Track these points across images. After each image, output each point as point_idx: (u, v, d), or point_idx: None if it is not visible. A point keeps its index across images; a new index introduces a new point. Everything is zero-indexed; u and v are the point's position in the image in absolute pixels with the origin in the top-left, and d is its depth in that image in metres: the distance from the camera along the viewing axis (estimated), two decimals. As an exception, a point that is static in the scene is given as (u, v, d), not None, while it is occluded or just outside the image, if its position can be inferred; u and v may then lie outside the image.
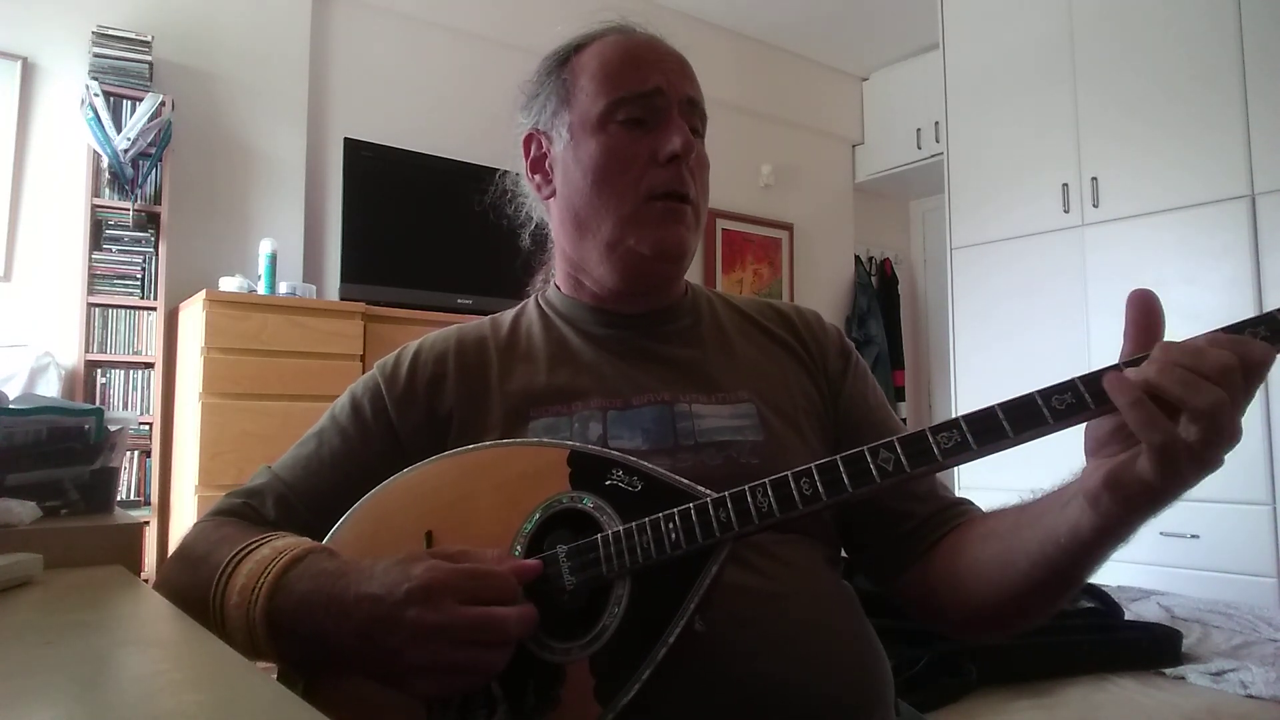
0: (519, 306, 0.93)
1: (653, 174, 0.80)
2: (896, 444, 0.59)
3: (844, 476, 0.59)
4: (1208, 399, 0.51)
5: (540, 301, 0.91)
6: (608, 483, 0.65)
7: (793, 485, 0.60)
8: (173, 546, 0.73)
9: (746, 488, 0.61)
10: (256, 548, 0.66)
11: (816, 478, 0.60)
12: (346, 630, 0.58)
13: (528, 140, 0.89)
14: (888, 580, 0.82)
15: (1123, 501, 0.56)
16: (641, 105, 0.81)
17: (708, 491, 0.63)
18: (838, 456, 0.60)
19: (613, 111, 0.81)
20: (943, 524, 0.79)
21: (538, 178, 0.89)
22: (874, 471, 0.59)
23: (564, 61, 0.86)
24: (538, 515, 0.65)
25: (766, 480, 0.61)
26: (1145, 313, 0.57)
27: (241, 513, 0.78)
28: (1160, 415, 0.52)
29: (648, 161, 0.80)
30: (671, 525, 0.61)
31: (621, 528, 0.63)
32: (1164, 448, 0.52)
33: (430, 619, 0.55)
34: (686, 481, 0.64)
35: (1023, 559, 0.67)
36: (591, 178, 0.81)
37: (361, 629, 0.57)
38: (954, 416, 0.58)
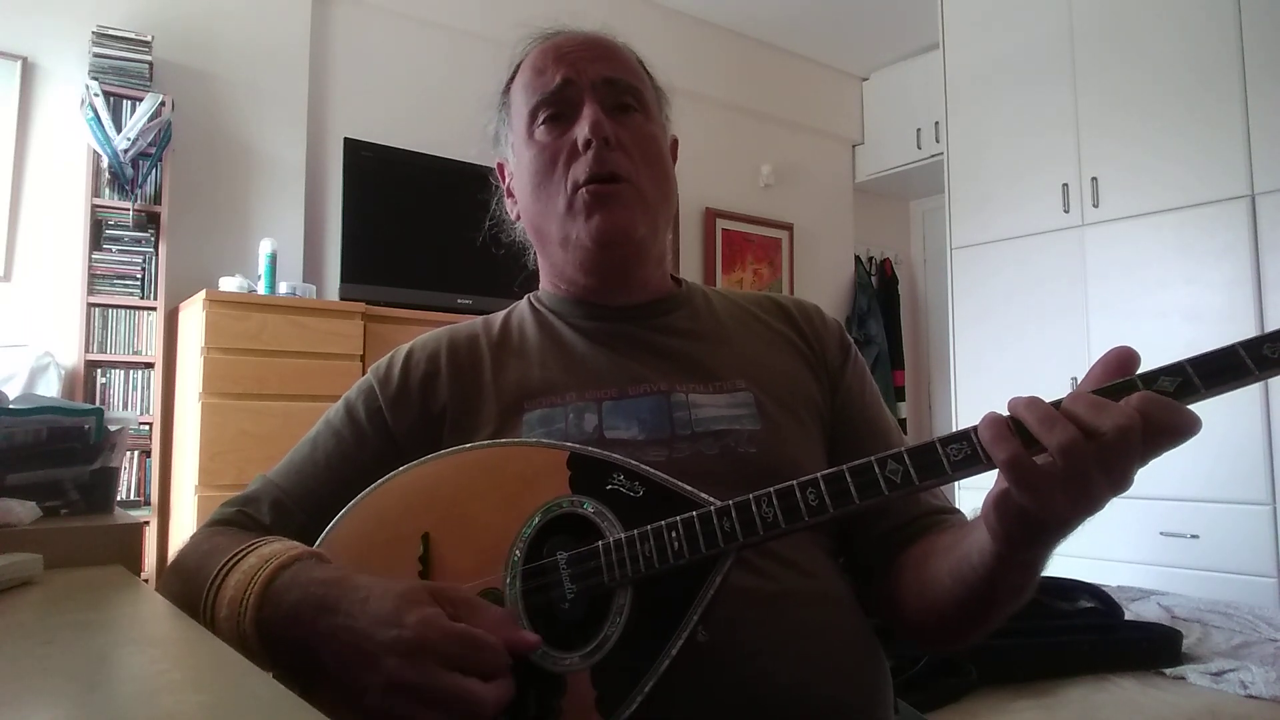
0: (511, 305, 0.93)
1: (576, 164, 0.80)
2: (905, 455, 0.58)
3: (851, 488, 0.58)
4: (1057, 438, 0.52)
5: (532, 299, 0.92)
6: (609, 487, 0.64)
7: (799, 495, 0.59)
8: (173, 546, 0.73)
9: (751, 497, 0.60)
10: (244, 557, 0.65)
11: (823, 488, 0.59)
12: (328, 650, 0.58)
13: (500, 170, 0.94)
14: (868, 582, 0.81)
15: (1003, 523, 0.57)
16: (554, 103, 0.82)
17: (711, 499, 0.62)
18: (844, 467, 0.59)
19: (534, 119, 0.83)
20: (915, 533, 0.78)
21: (508, 202, 0.93)
22: (882, 483, 0.58)
23: (506, 88, 0.90)
24: (537, 519, 0.65)
25: (772, 490, 0.60)
26: (1119, 366, 0.56)
27: (237, 521, 0.78)
28: (1010, 436, 0.53)
29: (572, 154, 0.81)
30: (674, 534, 0.61)
31: (623, 535, 0.62)
32: (1009, 464, 0.53)
33: (408, 676, 0.54)
34: (690, 488, 0.63)
35: (947, 577, 0.67)
36: (531, 185, 0.84)
37: (339, 653, 0.57)
38: (964, 428, 0.57)
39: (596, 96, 0.81)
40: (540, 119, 0.83)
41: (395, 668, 0.54)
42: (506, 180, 0.93)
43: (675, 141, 0.93)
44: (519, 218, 0.90)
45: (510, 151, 0.89)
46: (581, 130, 0.79)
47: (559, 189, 0.81)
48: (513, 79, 0.89)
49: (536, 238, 0.88)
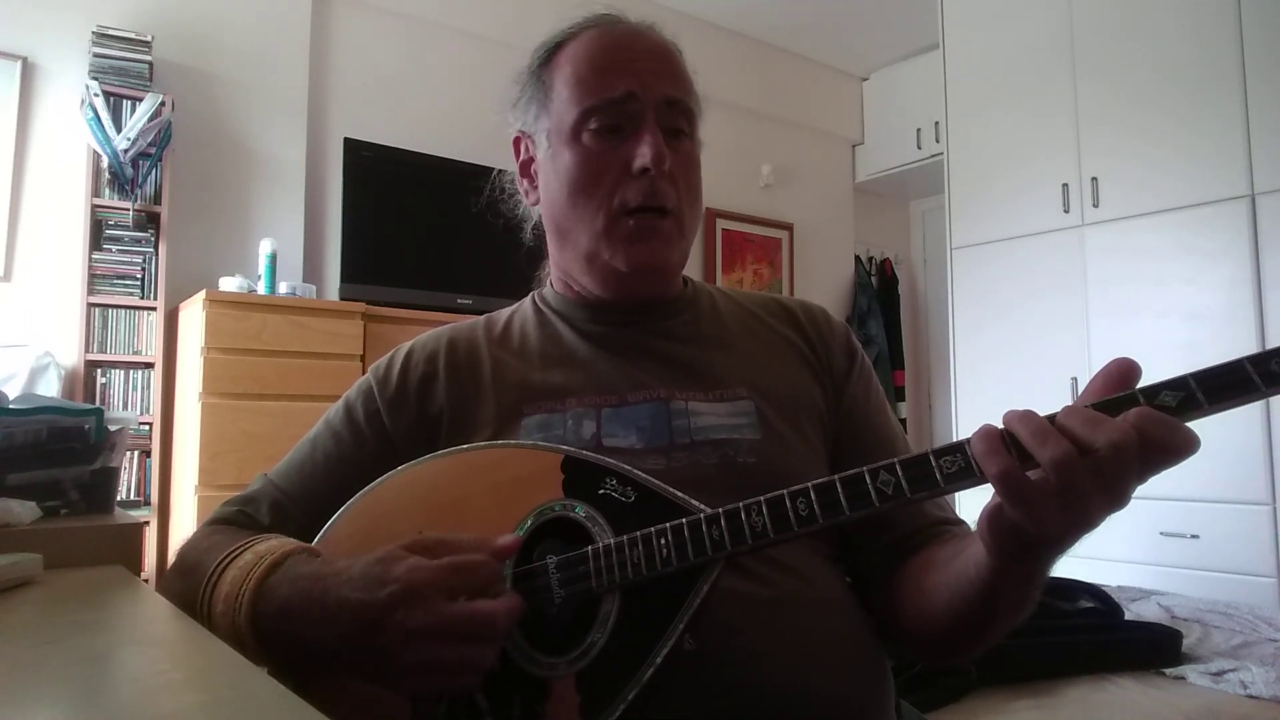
0: (515, 305, 0.92)
1: (626, 186, 0.77)
2: (898, 466, 0.57)
3: (842, 499, 0.58)
4: (1050, 452, 0.50)
5: (536, 299, 0.91)
6: (601, 491, 0.64)
7: (788, 505, 0.59)
8: (173, 546, 0.73)
9: (741, 505, 0.60)
10: (240, 554, 0.66)
11: (813, 498, 0.59)
12: (331, 635, 0.57)
13: (516, 142, 0.89)
14: (869, 591, 0.80)
15: (997, 538, 0.56)
16: (613, 113, 0.78)
17: (702, 506, 0.62)
18: (836, 477, 0.59)
19: (585, 121, 0.79)
20: (918, 544, 0.77)
21: (525, 183, 0.89)
22: (873, 494, 0.57)
23: (545, 61, 0.84)
24: (529, 522, 0.65)
25: (762, 498, 0.60)
26: (1119, 378, 0.54)
27: (236, 520, 0.78)
28: (1002, 450, 0.52)
29: (621, 172, 0.77)
30: (663, 541, 0.60)
31: (612, 541, 0.62)
32: (1001, 478, 0.52)
33: (418, 620, 0.54)
34: (682, 495, 0.63)
35: (944, 590, 0.67)
36: (567, 190, 0.80)
37: (347, 633, 0.57)
38: (958, 440, 0.56)
39: (658, 119, 0.78)
40: (593, 124, 0.78)
41: (403, 618, 0.55)
42: (522, 155, 0.88)
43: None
44: (536, 203, 0.87)
45: (541, 134, 0.84)
46: (642, 156, 0.76)
47: (601, 205, 0.78)
48: (554, 54, 0.83)
49: (556, 236, 0.85)
